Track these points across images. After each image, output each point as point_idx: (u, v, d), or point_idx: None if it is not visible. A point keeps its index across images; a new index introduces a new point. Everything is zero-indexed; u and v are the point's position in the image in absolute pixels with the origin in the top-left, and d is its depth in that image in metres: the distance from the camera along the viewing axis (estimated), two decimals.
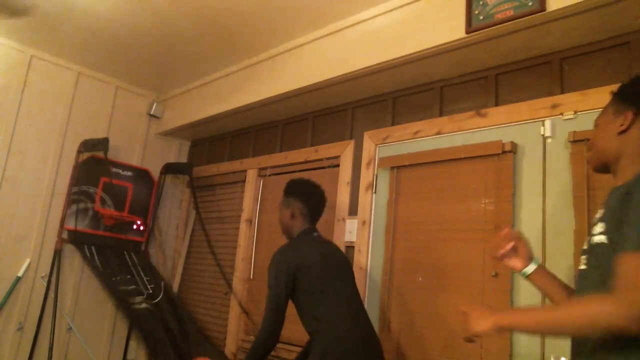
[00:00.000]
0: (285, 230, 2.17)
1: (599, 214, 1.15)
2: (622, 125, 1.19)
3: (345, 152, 2.77)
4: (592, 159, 1.29)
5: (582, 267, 1.18)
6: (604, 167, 1.26)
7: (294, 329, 2.82)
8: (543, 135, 1.98)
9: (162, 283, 3.33)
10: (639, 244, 0.97)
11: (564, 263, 1.82)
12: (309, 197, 2.16)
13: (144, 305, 2.87)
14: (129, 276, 3.16)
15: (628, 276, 0.96)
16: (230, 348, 3.12)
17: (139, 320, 2.79)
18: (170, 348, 2.55)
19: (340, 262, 2.09)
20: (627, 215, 1.02)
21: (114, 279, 3.06)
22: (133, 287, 3.09)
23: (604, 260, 1.07)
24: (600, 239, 1.10)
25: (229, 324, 3.21)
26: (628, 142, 1.18)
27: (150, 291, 3.14)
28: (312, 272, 1.95)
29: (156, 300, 3.08)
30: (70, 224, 3.24)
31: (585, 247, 1.20)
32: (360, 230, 2.56)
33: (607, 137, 1.23)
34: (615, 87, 1.28)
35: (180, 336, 2.90)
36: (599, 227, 1.11)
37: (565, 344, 1.76)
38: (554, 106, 1.96)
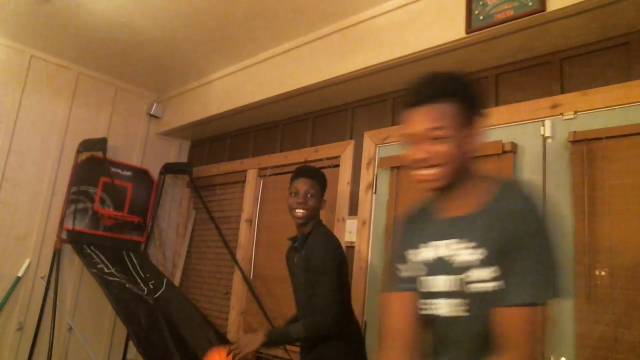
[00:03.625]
0: (313, 217, 2.03)
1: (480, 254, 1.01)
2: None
3: (345, 152, 2.77)
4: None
5: (462, 314, 1.03)
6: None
7: None
8: (543, 135, 1.98)
9: (164, 279, 3.32)
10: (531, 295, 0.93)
11: (563, 263, 1.81)
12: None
13: (141, 307, 2.85)
14: (127, 276, 3.15)
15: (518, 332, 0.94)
16: None
17: (137, 322, 2.78)
18: (171, 341, 2.54)
19: None
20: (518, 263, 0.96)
21: (112, 279, 3.05)
22: (132, 287, 3.08)
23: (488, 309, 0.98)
24: (491, 286, 0.99)
25: (229, 324, 3.21)
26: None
27: (151, 287, 3.13)
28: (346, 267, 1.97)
29: (157, 295, 3.07)
30: (70, 224, 3.24)
31: (453, 288, 1.04)
32: (360, 230, 2.56)
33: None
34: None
35: (184, 326, 2.89)
36: (487, 272, 0.99)
37: (566, 344, 1.76)
38: (554, 106, 1.96)
